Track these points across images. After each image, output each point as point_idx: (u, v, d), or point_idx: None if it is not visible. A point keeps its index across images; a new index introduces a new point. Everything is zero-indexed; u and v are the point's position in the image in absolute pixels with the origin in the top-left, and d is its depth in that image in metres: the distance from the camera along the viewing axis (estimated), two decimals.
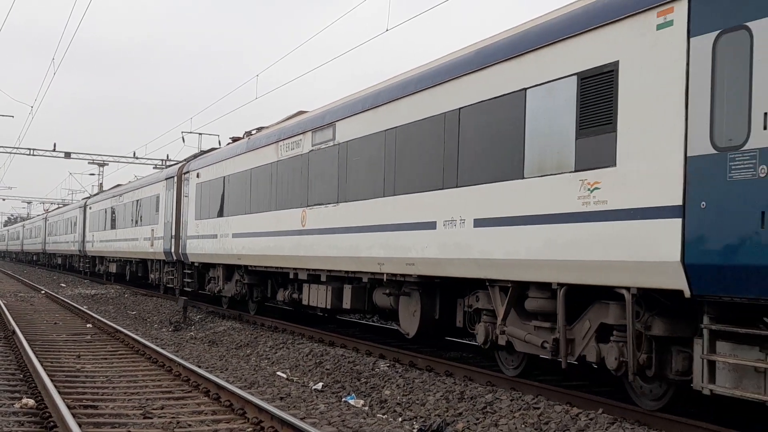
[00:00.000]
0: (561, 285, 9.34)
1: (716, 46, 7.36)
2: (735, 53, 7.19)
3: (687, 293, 7.64)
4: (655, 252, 7.89)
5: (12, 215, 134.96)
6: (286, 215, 17.11)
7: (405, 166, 12.59)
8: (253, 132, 21.59)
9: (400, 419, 9.84)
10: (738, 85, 7.16)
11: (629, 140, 8.32)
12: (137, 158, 56.30)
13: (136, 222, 32.30)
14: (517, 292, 10.31)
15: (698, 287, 7.53)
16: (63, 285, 39.92)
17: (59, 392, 9.90)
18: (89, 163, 61.13)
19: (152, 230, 29.34)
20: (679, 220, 7.62)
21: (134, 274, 34.65)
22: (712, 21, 7.43)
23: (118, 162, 58.34)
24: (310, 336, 16.77)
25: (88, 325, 19.89)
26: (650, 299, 8.38)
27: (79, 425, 8.26)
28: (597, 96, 8.77)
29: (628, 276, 8.32)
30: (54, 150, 53.68)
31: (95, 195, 48.06)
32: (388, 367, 12.68)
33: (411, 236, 12.28)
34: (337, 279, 15.45)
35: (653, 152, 7.98)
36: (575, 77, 9.08)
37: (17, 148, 53.24)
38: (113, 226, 37.32)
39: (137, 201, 32.45)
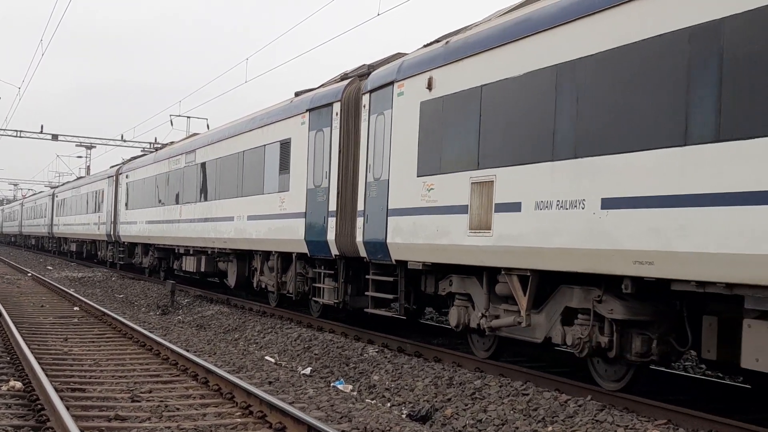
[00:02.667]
0: (277, 252, 17.47)
1: (315, 138, 15.47)
2: (319, 140, 15.30)
3: (309, 255, 15.79)
4: (297, 234, 16.01)
5: None
6: (172, 209, 25.23)
7: (223, 182, 20.69)
8: (167, 144, 29.73)
9: (388, 404, 9.93)
10: (320, 156, 15.28)
11: (294, 178, 16.41)
12: (125, 141, 55.52)
13: (89, 210, 40.32)
14: (264, 256, 18.43)
15: (310, 252, 15.66)
16: (50, 267, 39.81)
17: (47, 375, 9.87)
18: (77, 145, 60.86)
19: (99, 217, 37.39)
20: (303, 219, 15.75)
21: (89, 252, 42.74)
22: (314, 124, 15.54)
23: (105, 145, 57.40)
24: (299, 321, 17.08)
25: (75, 308, 19.91)
26: (306, 258, 16.48)
27: (67, 408, 8.21)
28: (284, 154, 16.87)
29: (294, 247, 16.43)
30: (41, 132, 52.91)
31: (61, 185, 56.01)
32: (376, 352, 12.80)
33: (225, 225, 20.38)
34: (198, 252, 23.56)
35: (299, 185, 16.09)
36: (279, 143, 17.18)
37: (4, 129, 52.82)
38: (72, 213, 45.40)
39: (90, 193, 40.42)
